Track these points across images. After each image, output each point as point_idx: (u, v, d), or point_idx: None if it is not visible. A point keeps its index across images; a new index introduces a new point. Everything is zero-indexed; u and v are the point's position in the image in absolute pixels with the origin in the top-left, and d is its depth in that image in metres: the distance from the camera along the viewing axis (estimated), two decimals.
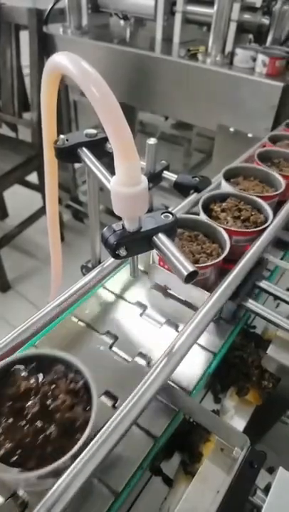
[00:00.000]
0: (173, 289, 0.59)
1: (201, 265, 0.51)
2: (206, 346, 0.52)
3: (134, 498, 0.43)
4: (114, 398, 0.44)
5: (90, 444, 0.31)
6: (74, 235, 2.04)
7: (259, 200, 0.62)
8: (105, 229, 0.40)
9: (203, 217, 0.59)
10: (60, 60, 0.35)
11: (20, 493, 0.35)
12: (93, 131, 0.53)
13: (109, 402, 0.44)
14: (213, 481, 0.36)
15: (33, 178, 1.78)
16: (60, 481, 0.29)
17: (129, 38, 1.56)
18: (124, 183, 0.33)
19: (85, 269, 0.71)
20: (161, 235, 0.40)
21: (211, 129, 1.33)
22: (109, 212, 0.35)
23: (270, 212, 0.60)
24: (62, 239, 1.98)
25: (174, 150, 2.33)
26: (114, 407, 0.43)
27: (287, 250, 0.72)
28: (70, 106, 1.74)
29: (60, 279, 0.74)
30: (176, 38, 1.42)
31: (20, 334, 0.45)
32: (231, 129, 1.27)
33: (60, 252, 0.70)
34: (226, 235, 0.54)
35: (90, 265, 0.70)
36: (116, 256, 0.39)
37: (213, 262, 0.52)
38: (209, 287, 0.53)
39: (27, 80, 1.66)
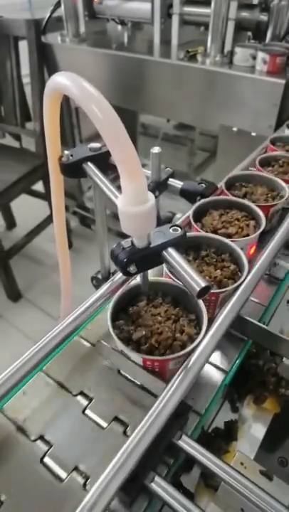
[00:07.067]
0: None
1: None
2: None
3: None
4: None
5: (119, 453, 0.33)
6: (82, 241, 2.05)
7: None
8: (115, 246, 0.39)
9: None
10: (61, 81, 0.35)
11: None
12: (97, 145, 0.53)
13: None
14: None
15: (38, 187, 1.79)
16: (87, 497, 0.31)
17: (128, 43, 1.56)
18: (131, 202, 0.33)
19: (96, 281, 0.71)
20: (170, 250, 0.39)
21: (214, 130, 1.32)
22: (117, 217, 0.35)
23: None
24: (71, 245, 1.99)
25: (178, 150, 2.32)
26: None
27: None
28: (72, 113, 1.75)
29: (71, 291, 0.74)
30: (175, 40, 1.41)
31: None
32: (234, 129, 1.26)
33: (68, 263, 0.70)
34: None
35: (99, 276, 0.70)
36: (126, 273, 0.39)
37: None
38: None
39: (27, 90, 1.66)
